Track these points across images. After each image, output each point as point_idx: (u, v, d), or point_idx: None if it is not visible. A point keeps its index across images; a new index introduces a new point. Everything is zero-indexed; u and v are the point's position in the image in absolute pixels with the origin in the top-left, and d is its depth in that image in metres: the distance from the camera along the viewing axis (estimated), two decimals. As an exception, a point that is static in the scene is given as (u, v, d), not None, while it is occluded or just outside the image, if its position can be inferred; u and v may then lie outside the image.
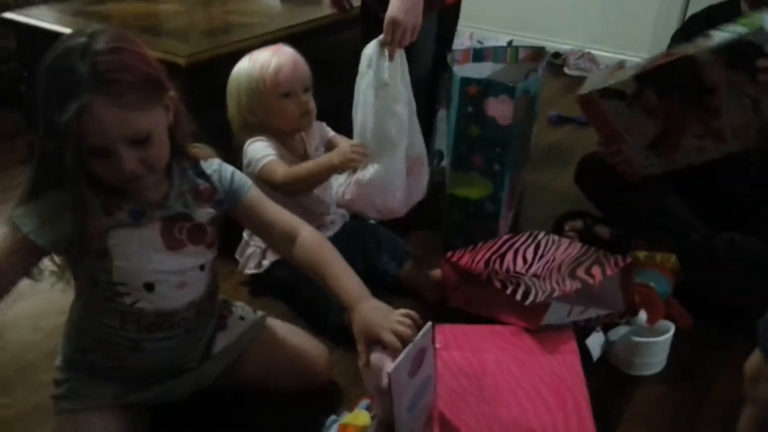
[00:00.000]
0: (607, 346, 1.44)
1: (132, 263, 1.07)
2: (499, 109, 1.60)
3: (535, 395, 1.25)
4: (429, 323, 1.14)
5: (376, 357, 1.13)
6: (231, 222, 1.24)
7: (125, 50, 0.97)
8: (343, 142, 1.59)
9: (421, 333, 1.11)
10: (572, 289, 1.39)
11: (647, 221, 1.70)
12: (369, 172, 1.56)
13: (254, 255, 1.62)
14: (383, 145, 1.55)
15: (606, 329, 1.45)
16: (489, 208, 1.72)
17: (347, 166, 1.49)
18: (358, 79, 1.56)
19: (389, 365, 1.06)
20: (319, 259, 1.18)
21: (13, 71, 2.48)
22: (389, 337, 1.05)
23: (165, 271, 1.10)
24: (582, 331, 1.43)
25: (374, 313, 1.09)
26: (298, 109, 1.50)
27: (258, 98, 1.47)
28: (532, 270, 1.51)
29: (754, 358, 1.00)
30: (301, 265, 1.20)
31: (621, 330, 1.44)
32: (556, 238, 1.65)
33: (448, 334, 1.38)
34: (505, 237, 1.65)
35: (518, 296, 1.39)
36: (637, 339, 1.41)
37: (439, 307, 1.57)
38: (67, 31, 1.88)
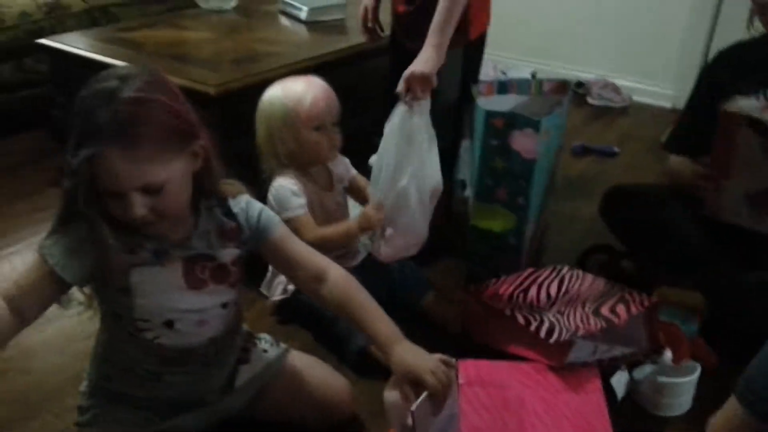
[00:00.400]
0: (632, 385, 1.42)
1: (153, 301, 1.09)
2: (524, 142, 1.61)
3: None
4: (454, 360, 1.14)
5: (399, 395, 1.13)
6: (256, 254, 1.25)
7: (152, 101, 0.96)
8: (365, 190, 1.64)
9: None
10: (597, 328, 1.38)
11: (672, 256, 1.69)
12: (391, 228, 1.55)
13: (282, 281, 1.63)
14: (401, 199, 1.54)
15: (631, 368, 1.43)
16: (512, 241, 1.72)
17: (371, 229, 1.52)
18: (387, 135, 1.53)
19: (414, 403, 1.07)
20: (351, 300, 1.16)
21: (45, 94, 2.55)
22: (432, 380, 1.04)
23: (186, 309, 1.11)
24: (606, 369, 1.41)
25: (413, 356, 1.08)
26: (328, 142, 1.52)
27: (291, 130, 1.49)
28: (556, 306, 1.50)
29: (727, 413, 0.97)
30: (330, 305, 1.18)
31: (646, 369, 1.42)
32: (581, 273, 1.64)
33: (471, 369, 1.38)
34: (529, 270, 1.65)
35: (542, 333, 1.38)
36: (662, 379, 1.39)
37: (462, 339, 1.56)
38: (98, 57, 1.94)
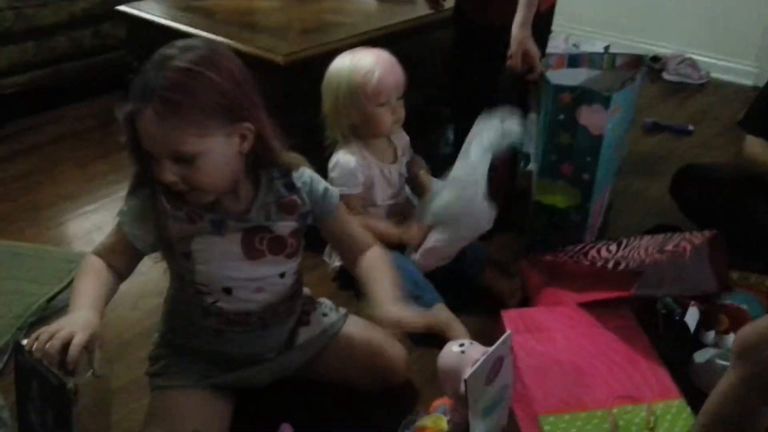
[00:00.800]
0: (693, 366, 1.39)
1: (212, 268, 1.13)
2: (592, 118, 1.57)
3: (610, 362, 1.34)
4: (508, 332, 1.15)
5: (456, 361, 1.15)
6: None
7: (200, 74, 0.98)
8: (422, 178, 1.67)
9: (500, 341, 1.12)
10: (663, 258, 1.39)
11: (745, 241, 1.63)
12: (429, 244, 1.57)
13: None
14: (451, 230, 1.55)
15: (695, 348, 1.41)
16: (575, 219, 1.69)
17: (410, 243, 1.57)
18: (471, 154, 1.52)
19: (467, 371, 1.08)
20: (370, 268, 1.23)
21: (122, 59, 2.64)
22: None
23: (243, 278, 1.15)
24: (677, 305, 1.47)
25: (391, 308, 1.15)
26: (392, 116, 1.53)
27: (356, 104, 1.50)
28: (619, 254, 1.52)
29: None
30: (358, 273, 1.25)
31: (708, 352, 1.39)
32: (634, 238, 1.64)
33: (516, 318, 1.45)
34: (586, 243, 1.65)
35: (609, 266, 1.40)
36: (722, 362, 1.36)
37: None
38: (172, 24, 1.99)
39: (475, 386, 1.08)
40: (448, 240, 1.54)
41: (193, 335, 1.22)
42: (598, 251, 1.56)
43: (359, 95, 1.49)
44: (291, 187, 1.17)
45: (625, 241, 1.60)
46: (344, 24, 1.98)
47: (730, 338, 1.41)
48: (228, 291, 1.15)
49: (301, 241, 1.21)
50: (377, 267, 1.23)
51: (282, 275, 1.20)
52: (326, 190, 1.20)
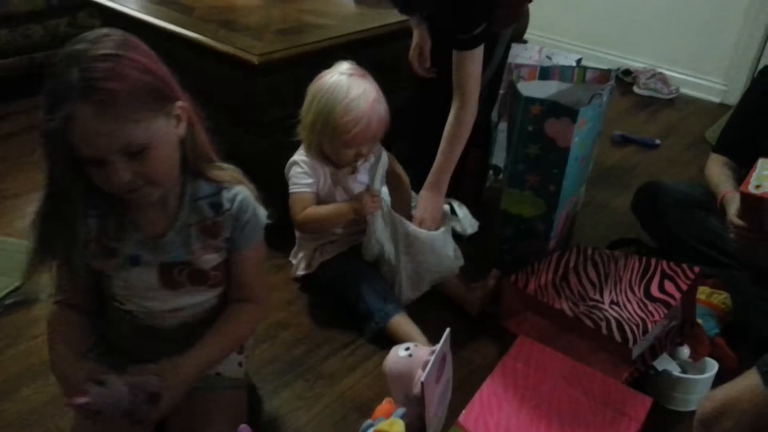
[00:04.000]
0: (651, 378, 1.43)
1: (131, 292, 1.09)
2: (560, 130, 1.60)
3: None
4: (447, 330, 1.20)
5: (405, 365, 1.18)
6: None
7: (123, 57, 0.91)
8: (400, 177, 1.70)
9: (442, 340, 1.17)
10: (661, 316, 1.42)
11: (704, 261, 1.68)
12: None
13: (304, 257, 1.68)
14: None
15: (652, 359, 1.44)
16: (540, 228, 1.73)
17: (363, 214, 1.55)
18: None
19: (420, 373, 1.12)
20: (224, 322, 1.13)
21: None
22: None
23: (160, 307, 1.10)
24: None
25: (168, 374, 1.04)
26: (353, 157, 1.55)
27: (329, 135, 1.49)
28: (607, 295, 1.53)
29: (743, 385, 0.98)
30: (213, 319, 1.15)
31: (663, 363, 1.43)
32: (605, 252, 1.67)
33: (525, 347, 1.45)
34: (556, 255, 1.66)
35: (617, 337, 1.37)
36: (678, 374, 1.40)
37: (479, 321, 1.61)
38: (146, 18, 1.98)
39: (430, 386, 1.11)
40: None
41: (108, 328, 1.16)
42: (579, 280, 1.58)
43: (335, 133, 1.48)
44: (218, 207, 1.08)
45: (600, 264, 1.63)
46: (323, 26, 1.99)
47: (684, 350, 1.45)
48: (144, 309, 1.11)
49: (226, 270, 1.13)
50: (228, 323, 1.13)
51: (203, 302, 1.14)
52: (251, 221, 1.10)
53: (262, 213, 1.13)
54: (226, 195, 1.08)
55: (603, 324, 1.41)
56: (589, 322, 1.43)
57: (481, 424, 1.26)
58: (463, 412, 1.28)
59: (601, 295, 1.52)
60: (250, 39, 1.82)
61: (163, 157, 0.98)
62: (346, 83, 1.48)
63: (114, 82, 0.89)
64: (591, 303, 1.50)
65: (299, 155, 1.58)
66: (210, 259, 1.09)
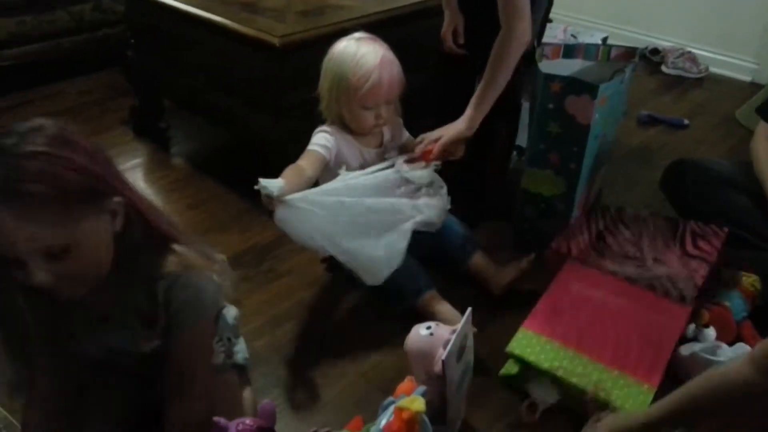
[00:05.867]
0: (677, 360, 1.41)
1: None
2: (580, 107, 1.58)
3: (626, 330, 1.40)
4: (469, 309, 1.20)
5: (426, 343, 1.18)
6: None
7: (53, 156, 0.86)
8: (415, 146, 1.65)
9: (463, 320, 1.17)
10: (705, 273, 1.51)
11: (733, 241, 1.65)
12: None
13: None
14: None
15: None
16: (560, 207, 1.71)
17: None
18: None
19: (441, 352, 1.12)
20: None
21: (121, 34, 2.65)
22: None
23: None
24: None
25: None
26: (374, 120, 1.53)
27: (345, 98, 1.50)
28: (649, 253, 1.59)
29: None
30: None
31: (694, 346, 1.41)
32: (631, 211, 1.74)
33: (575, 268, 1.56)
34: (585, 218, 1.72)
35: (674, 294, 1.47)
36: (706, 356, 1.38)
37: (503, 302, 1.60)
38: (169, 2, 1.99)
39: (451, 365, 1.12)
40: None
41: None
42: (615, 239, 1.64)
43: (349, 94, 1.49)
44: (153, 298, 1.00)
45: (630, 225, 1.69)
46: (344, 7, 1.98)
47: (710, 332, 1.43)
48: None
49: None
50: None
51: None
52: (190, 301, 1.01)
53: (210, 299, 1.04)
54: (162, 284, 1.00)
55: (657, 283, 1.49)
56: (644, 284, 1.50)
57: (547, 326, 1.39)
58: (527, 319, 1.41)
59: (642, 253, 1.59)
60: (272, 21, 1.82)
61: (89, 257, 0.92)
62: (354, 45, 1.50)
63: (39, 185, 0.84)
64: (636, 262, 1.57)
65: (323, 127, 1.57)
66: (150, 347, 1.02)
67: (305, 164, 1.47)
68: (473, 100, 1.62)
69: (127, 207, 0.96)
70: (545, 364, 1.32)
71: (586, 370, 1.31)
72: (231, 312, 1.25)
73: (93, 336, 1.03)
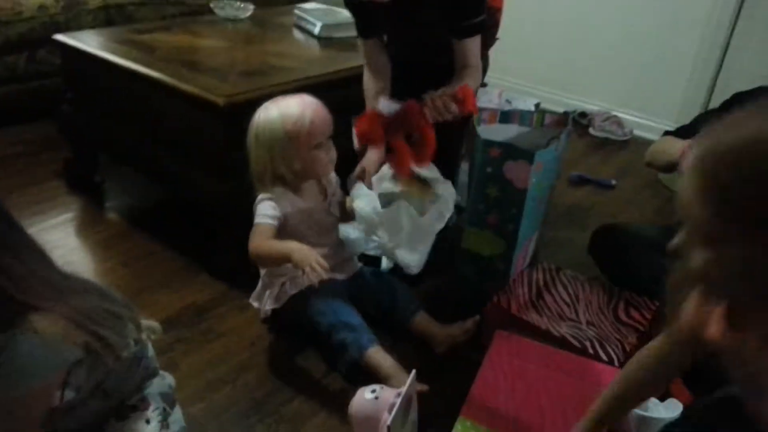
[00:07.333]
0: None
1: None
2: (517, 172, 1.65)
3: (560, 414, 1.40)
4: (413, 371, 1.21)
5: (371, 407, 1.18)
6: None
7: None
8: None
9: (408, 382, 1.17)
10: (635, 340, 1.55)
11: (661, 305, 1.72)
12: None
13: (273, 292, 1.66)
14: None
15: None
16: (500, 266, 1.76)
17: (301, 267, 1.42)
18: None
19: (385, 416, 1.11)
20: None
21: (56, 86, 2.60)
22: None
23: None
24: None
25: None
26: (327, 156, 1.56)
27: (291, 151, 1.52)
28: (582, 315, 1.65)
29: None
30: None
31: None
32: (570, 273, 1.80)
33: (505, 342, 1.56)
34: (526, 272, 1.77)
35: (603, 356, 1.51)
36: (639, 412, 1.42)
37: (446, 359, 1.60)
38: (109, 57, 1.97)
39: (395, 429, 1.11)
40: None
41: None
42: (554, 299, 1.70)
43: (293, 144, 1.51)
44: None
45: (569, 286, 1.75)
46: (287, 68, 2.01)
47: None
48: None
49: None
50: None
51: None
52: (19, 372, 0.96)
53: (39, 370, 0.99)
54: (2, 336, 0.96)
55: (588, 344, 1.53)
56: (575, 342, 1.53)
57: (484, 412, 1.37)
58: (464, 406, 1.38)
59: (577, 315, 1.64)
60: (215, 80, 1.83)
61: None
62: (269, 107, 1.55)
63: None
64: (570, 323, 1.60)
65: (263, 195, 1.58)
66: None
67: (261, 241, 1.50)
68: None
69: None
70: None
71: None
72: (166, 380, 1.23)
73: None
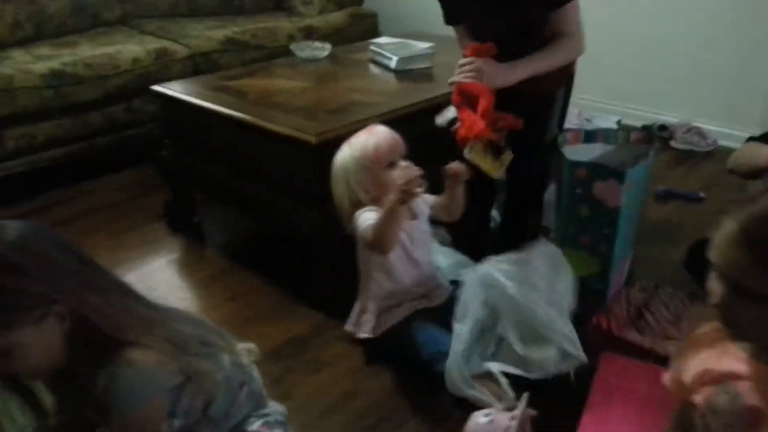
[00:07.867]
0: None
1: None
2: (608, 192, 1.65)
3: None
4: (526, 394, 1.22)
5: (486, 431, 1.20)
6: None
7: (4, 265, 0.94)
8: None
9: (521, 404, 1.19)
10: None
11: None
12: None
13: (370, 318, 1.71)
14: None
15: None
16: (597, 286, 1.76)
17: (406, 196, 1.49)
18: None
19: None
20: None
21: (151, 134, 2.77)
22: None
23: None
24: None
25: None
26: (403, 173, 1.55)
27: (365, 177, 1.62)
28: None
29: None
30: None
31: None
32: (670, 290, 1.77)
33: (613, 364, 1.54)
34: (623, 293, 1.75)
35: None
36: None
37: (547, 381, 1.59)
38: (206, 105, 2.10)
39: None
40: None
41: None
42: (653, 315, 1.67)
43: (365, 170, 1.61)
44: (96, 389, 1.05)
45: (669, 303, 1.72)
46: (368, 103, 2.09)
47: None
48: None
49: None
50: None
51: None
52: (123, 402, 1.05)
53: (138, 397, 1.07)
54: (104, 373, 1.05)
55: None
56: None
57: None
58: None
59: (681, 335, 1.58)
60: (305, 120, 1.92)
61: (34, 356, 1.01)
62: (344, 146, 1.66)
63: None
64: (675, 342, 1.56)
65: (361, 211, 1.64)
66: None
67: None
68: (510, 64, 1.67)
69: (72, 312, 1.02)
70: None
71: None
72: (278, 409, 1.29)
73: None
